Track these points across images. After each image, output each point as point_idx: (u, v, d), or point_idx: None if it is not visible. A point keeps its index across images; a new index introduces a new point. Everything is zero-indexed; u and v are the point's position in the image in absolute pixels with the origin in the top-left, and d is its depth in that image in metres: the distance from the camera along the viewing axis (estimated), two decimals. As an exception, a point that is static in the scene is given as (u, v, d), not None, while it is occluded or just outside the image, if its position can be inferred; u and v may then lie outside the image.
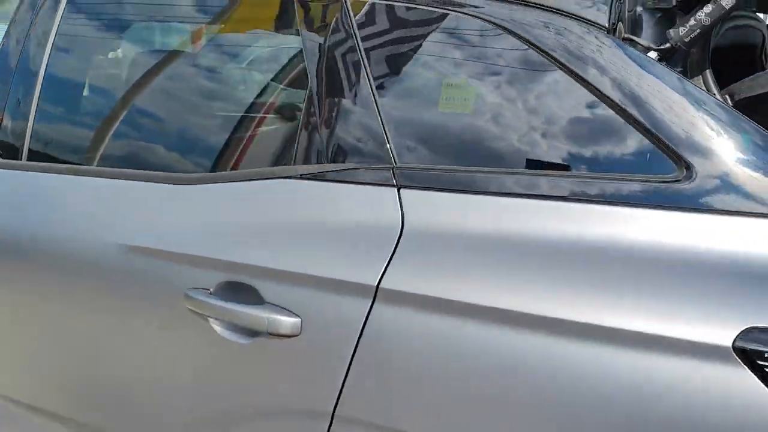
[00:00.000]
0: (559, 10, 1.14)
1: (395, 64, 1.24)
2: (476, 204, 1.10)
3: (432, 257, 1.09)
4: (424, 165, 1.17)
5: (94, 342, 1.44)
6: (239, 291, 1.24)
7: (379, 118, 1.20)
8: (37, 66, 1.66)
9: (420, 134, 1.20)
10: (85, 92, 1.68)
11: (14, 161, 1.65)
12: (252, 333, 1.21)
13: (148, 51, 1.72)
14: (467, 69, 1.20)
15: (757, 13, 1.62)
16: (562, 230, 1.03)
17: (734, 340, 0.87)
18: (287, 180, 1.26)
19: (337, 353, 1.12)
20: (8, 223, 1.57)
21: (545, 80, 1.12)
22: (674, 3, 1.17)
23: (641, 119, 1.02)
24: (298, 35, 1.33)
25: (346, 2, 1.28)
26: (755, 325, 0.87)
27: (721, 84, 1.16)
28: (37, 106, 1.65)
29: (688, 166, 0.99)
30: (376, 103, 1.21)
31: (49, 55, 1.65)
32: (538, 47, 1.12)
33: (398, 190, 1.15)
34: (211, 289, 1.26)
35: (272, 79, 1.47)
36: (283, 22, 1.38)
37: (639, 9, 1.17)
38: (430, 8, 1.23)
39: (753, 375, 0.86)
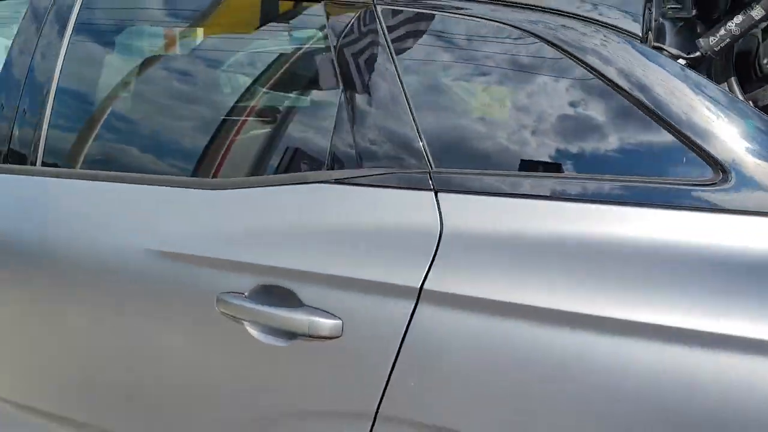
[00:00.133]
0: (592, 18, 1.17)
1: (427, 71, 1.27)
2: (512, 207, 1.13)
3: (473, 259, 1.12)
4: (460, 169, 1.19)
5: (123, 348, 1.43)
6: (275, 294, 1.25)
7: (414, 123, 1.23)
8: (50, 71, 1.65)
9: (454, 139, 1.23)
10: (100, 98, 1.68)
11: (30, 167, 1.63)
12: (290, 335, 1.23)
13: (165, 56, 1.71)
14: (499, 75, 1.23)
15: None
16: (599, 231, 1.07)
17: None
18: (321, 185, 1.27)
19: (381, 353, 1.15)
20: (28, 229, 1.56)
21: (580, 87, 1.15)
22: (693, 13, 1.22)
23: (677, 125, 1.06)
24: (327, 42, 1.34)
25: (376, 9, 1.30)
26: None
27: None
28: (51, 112, 1.64)
29: (724, 170, 1.03)
30: (410, 109, 1.24)
31: (63, 60, 1.64)
32: (572, 55, 1.15)
33: (435, 194, 1.18)
34: (246, 293, 1.27)
35: (299, 86, 1.48)
36: (311, 29, 1.40)
37: (661, 19, 1.21)
38: (460, 16, 1.26)
39: None
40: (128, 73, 1.72)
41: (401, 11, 1.29)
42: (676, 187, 1.05)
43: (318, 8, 1.37)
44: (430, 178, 1.19)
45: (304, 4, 1.40)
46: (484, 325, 1.08)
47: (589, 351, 1.02)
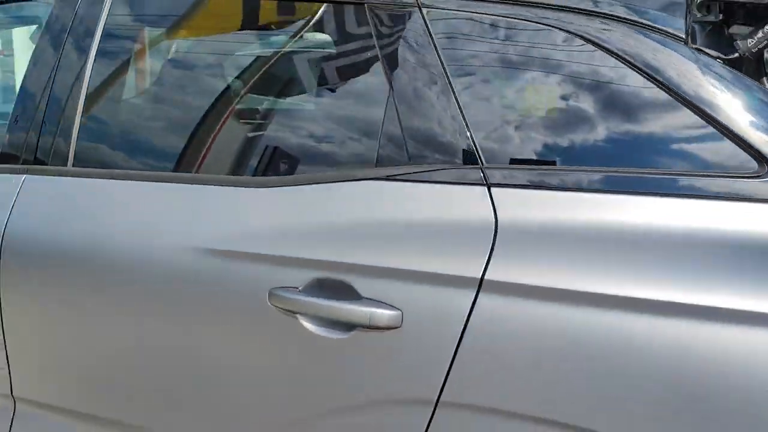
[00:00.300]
0: (634, 21, 1.24)
1: (474, 69, 1.32)
2: (562, 199, 1.19)
3: (529, 249, 1.18)
4: (510, 164, 1.25)
5: (170, 346, 1.46)
6: (330, 288, 1.29)
7: (464, 121, 1.28)
8: (80, 71, 1.66)
9: (503, 135, 1.28)
10: (135, 97, 1.69)
11: (65, 168, 1.64)
12: (347, 327, 1.27)
13: (199, 56, 1.74)
14: (545, 73, 1.29)
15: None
16: (646, 222, 1.14)
17: None
18: (373, 182, 1.32)
19: (442, 342, 1.20)
20: (67, 231, 1.57)
21: (626, 86, 1.22)
22: (720, 17, 1.31)
23: (723, 121, 1.14)
24: (373, 43, 1.38)
25: (422, 10, 1.35)
26: None
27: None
28: (83, 111, 1.65)
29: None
30: (459, 107, 1.29)
31: (93, 59, 1.66)
32: (619, 56, 1.22)
33: (488, 189, 1.24)
34: (300, 287, 1.31)
35: (347, 86, 1.52)
36: (356, 30, 1.44)
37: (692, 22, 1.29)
38: (505, 17, 1.31)
39: None
40: (163, 71, 1.74)
41: (446, 12, 1.34)
42: (723, 179, 1.12)
43: (361, 11, 1.41)
44: (483, 174, 1.25)
45: (348, 6, 1.44)
46: (543, 312, 1.14)
47: (642, 334, 1.08)
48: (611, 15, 1.26)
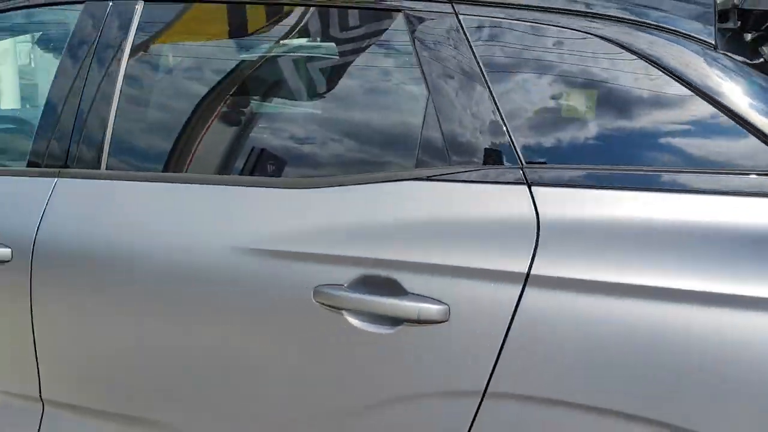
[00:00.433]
0: (666, 28, 1.31)
1: (511, 72, 1.38)
2: (601, 197, 1.26)
3: (572, 245, 1.24)
4: (549, 164, 1.31)
5: (214, 344, 1.48)
6: (376, 284, 1.34)
7: (503, 123, 1.34)
8: (113, 74, 1.69)
9: (541, 137, 1.34)
10: (168, 100, 1.72)
11: (97, 170, 1.66)
12: (394, 322, 1.32)
13: (241, 54, 1.77)
14: (580, 76, 1.35)
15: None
16: (683, 219, 1.21)
17: None
18: (415, 182, 1.37)
19: (490, 334, 1.25)
20: (105, 233, 1.59)
21: (664, 92, 1.29)
22: (738, 24, 1.39)
23: (756, 123, 1.21)
24: (410, 47, 1.44)
25: (458, 16, 1.41)
26: None
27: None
28: (116, 116, 1.67)
29: None
30: (498, 109, 1.35)
31: (126, 62, 1.68)
32: (654, 61, 1.29)
33: (529, 188, 1.29)
34: (345, 284, 1.36)
35: (386, 90, 1.57)
36: (394, 36, 1.49)
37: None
38: (539, 24, 1.38)
39: None
40: (194, 77, 1.77)
41: (482, 18, 1.40)
42: (752, 176, 1.20)
43: (398, 17, 1.47)
44: (523, 174, 1.31)
45: (384, 12, 1.49)
46: (587, 304, 1.20)
47: (681, 324, 1.15)
48: (641, 22, 1.32)
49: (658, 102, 1.29)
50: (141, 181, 1.62)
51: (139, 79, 1.72)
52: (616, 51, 1.33)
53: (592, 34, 1.34)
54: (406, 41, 1.46)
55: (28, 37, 2.15)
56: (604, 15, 1.34)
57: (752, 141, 1.22)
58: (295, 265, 1.40)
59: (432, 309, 1.28)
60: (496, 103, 1.36)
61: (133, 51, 1.70)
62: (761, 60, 1.31)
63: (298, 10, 1.59)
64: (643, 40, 1.31)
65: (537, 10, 1.38)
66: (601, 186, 1.27)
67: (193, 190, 1.55)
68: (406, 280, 1.32)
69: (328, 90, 1.62)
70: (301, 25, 1.60)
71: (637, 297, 1.18)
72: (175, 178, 1.61)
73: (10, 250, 1.69)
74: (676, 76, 1.28)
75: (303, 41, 1.63)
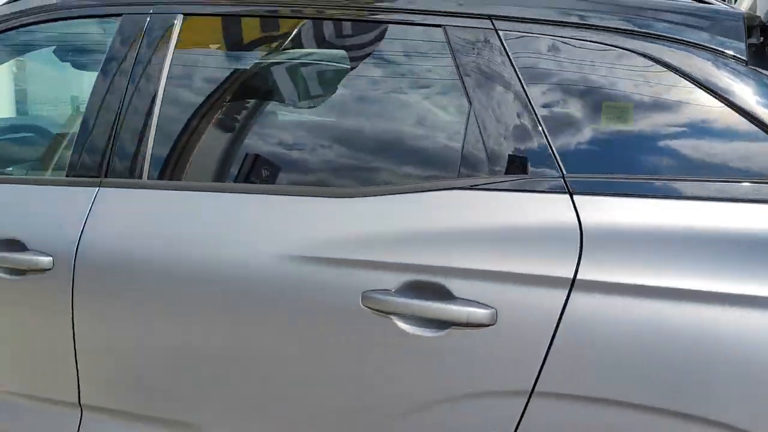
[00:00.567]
0: (700, 44, 1.38)
1: (551, 85, 1.45)
2: (641, 206, 1.33)
3: (615, 250, 1.30)
4: (590, 174, 1.37)
5: (263, 349, 1.52)
6: (424, 289, 1.39)
7: (544, 134, 1.40)
8: (153, 85, 1.73)
9: (581, 147, 1.41)
10: (208, 110, 1.76)
11: (140, 180, 1.70)
12: (442, 325, 1.37)
13: (283, 67, 1.81)
14: (616, 88, 1.42)
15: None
16: (722, 225, 1.28)
17: None
18: (459, 191, 1.43)
19: (537, 335, 1.31)
20: (150, 241, 1.62)
21: (698, 105, 1.36)
22: (761, 40, 1.47)
23: None
24: (451, 61, 1.50)
25: (497, 32, 1.47)
26: None
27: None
28: (157, 126, 1.71)
29: None
30: (539, 121, 1.41)
31: (167, 72, 1.73)
32: (689, 76, 1.36)
33: (571, 196, 1.36)
34: (393, 289, 1.41)
35: (427, 102, 1.62)
36: (434, 50, 1.55)
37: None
38: (576, 39, 1.44)
39: None
40: (237, 88, 1.81)
41: (521, 32, 1.47)
42: None
43: (439, 32, 1.53)
44: (565, 183, 1.37)
45: (425, 28, 1.55)
46: (631, 306, 1.27)
47: (729, 326, 1.22)
48: (675, 38, 1.39)
49: (691, 115, 1.36)
50: (184, 190, 1.66)
51: (180, 91, 1.76)
52: (651, 66, 1.39)
53: (627, 49, 1.41)
54: (446, 55, 1.52)
55: (61, 48, 2.17)
56: (640, 32, 1.41)
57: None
58: (343, 272, 1.45)
59: (480, 313, 1.34)
60: (536, 115, 1.42)
61: (173, 63, 1.74)
62: (788, 74, 1.38)
63: (342, 25, 1.64)
64: (677, 56, 1.38)
65: (574, 27, 1.45)
66: (638, 194, 1.34)
67: (239, 199, 1.59)
68: (453, 284, 1.37)
69: (371, 103, 1.67)
70: (346, 39, 1.66)
71: (680, 300, 1.25)
72: (220, 188, 1.65)
73: (51, 258, 1.72)
74: (710, 90, 1.35)
75: (346, 55, 1.68)
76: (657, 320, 1.26)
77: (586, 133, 1.42)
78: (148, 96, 1.73)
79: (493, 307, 1.34)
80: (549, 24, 1.46)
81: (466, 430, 1.38)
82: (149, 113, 1.73)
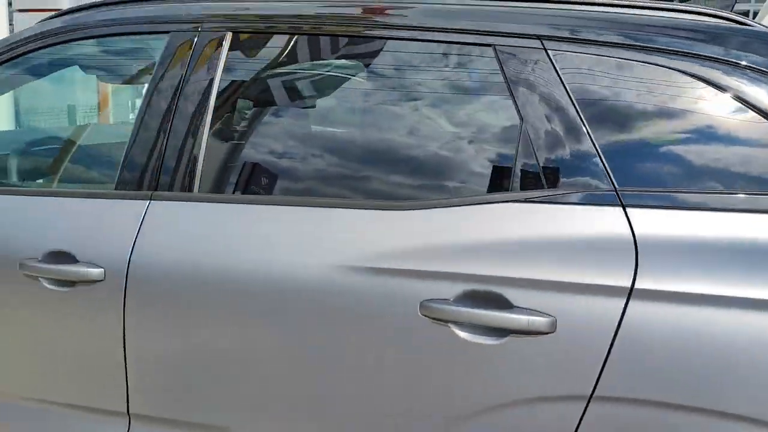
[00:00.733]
0: (748, 65, 1.45)
1: (601, 101, 1.51)
2: (694, 218, 1.40)
3: (669, 261, 1.37)
4: (641, 187, 1.44)
5: (321, 358, 1.57)
6: (481, 299, 1.45)
7: (596, 149, 1.47)
8: (204, 102, 1.77)
9: (632, 162, 1.47)
10: (258, 126, 1.81)
11: (191, 193, 1.74)
12: (501, 333, 1.43)
13: (330, 85, 1.86)
14: (666, 107, 1.49)
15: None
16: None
17: None
18: (514, 204, 1.49)
19: (596, 342, 1.37)
20: (203, 253, 1.66)
21: (742, 122, 1.43)
22: None
23: None
24: (502, 79, 1.56)
25: (547, 51, 1.54)
26: None
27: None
28: (208, 140, 1.76)
29: None
30: (590, 137, 1.48)
31: (217, 89, 1.77)
32: (737, 96, 1.43)
33: (624, 209, 1.42)
34: (451, 299, 1.46)
35: (480, 119, 1.69)
36: (485, 68, 1.62)
37: None
38: (623, 59, 1.51)
39: None
40: (289, 101, 1.86)
41: (570, 52, 1.54)
42: None
43: (489, 51, 1.59)
44: (618, 196, 1.43)
45: (475, 48, 1.62)
46: (687, 313, 1.33)
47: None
48: (713, 57, 1.47)
49: (742, 133, 1.44)
50: (236, 203, 1.71)
51: (229, 107, 1.80)
52: (699, 85, 1.47)
53: (674, 68, 1.48)
54: (496, 72, 1.58)
55: (104, 64, 2.21)
56: (686, 52, 1.48)
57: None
58: (401, 282, 1.50)
59: (540, 321, 1.40)
60: (588, 131, 1.49)
61: (223, 80, 1.79)
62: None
63: (391, 44, 1.70)
64: (722, 74, 1.45)
65: (621, 48, 1.52)
66: (688, 207, 1.40)
67: (295, 212, 1.64)
68: (511, 294, 1.43)
69: (424, 119, 1.73)
70: (399, 58, 1.71)
71: (732, 307, 1.31)
72: (274, 201, 1.69)
73: (102, 270, 1.75)
74: (757, 109, 1.42)
75: (399, 74, 1.74)
76: (710, 327, 1.32)
77: (637, 149, 1.49)
78: (198, 113, 1.78)
79: (552, 316, 1.40)
80: (595, 44, 1.53)
81: None
82: (199, 128, 1.77)
